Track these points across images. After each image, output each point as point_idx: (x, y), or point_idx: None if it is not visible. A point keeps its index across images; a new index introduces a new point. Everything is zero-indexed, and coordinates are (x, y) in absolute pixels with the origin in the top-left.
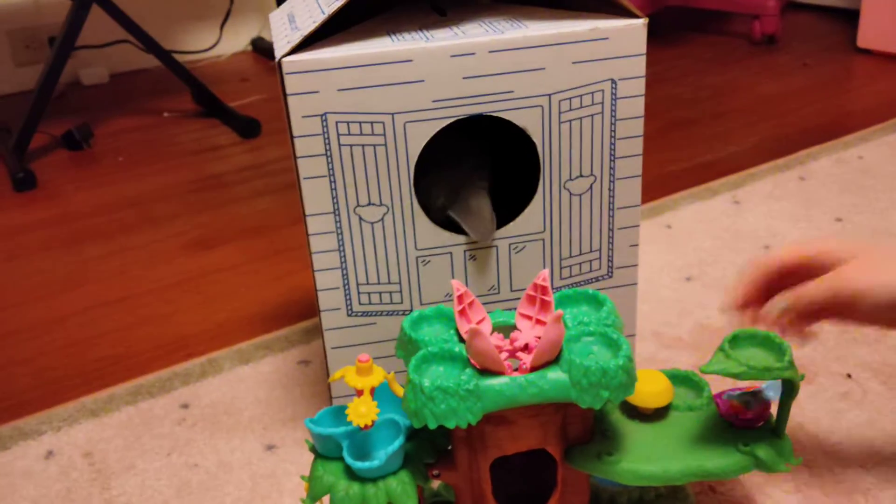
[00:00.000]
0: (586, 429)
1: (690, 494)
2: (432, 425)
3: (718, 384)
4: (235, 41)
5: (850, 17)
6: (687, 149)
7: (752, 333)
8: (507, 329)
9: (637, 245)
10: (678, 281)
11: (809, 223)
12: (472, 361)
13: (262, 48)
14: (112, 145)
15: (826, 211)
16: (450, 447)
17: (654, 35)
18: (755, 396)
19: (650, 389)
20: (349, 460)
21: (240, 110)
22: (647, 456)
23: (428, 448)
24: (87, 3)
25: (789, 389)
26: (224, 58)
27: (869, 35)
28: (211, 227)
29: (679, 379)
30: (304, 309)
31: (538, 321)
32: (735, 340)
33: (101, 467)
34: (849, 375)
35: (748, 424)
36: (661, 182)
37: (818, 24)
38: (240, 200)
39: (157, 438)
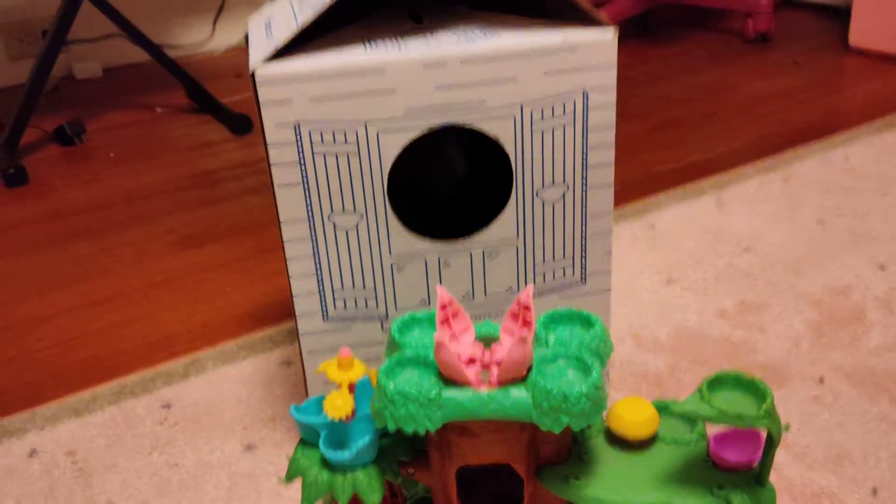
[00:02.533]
0: (560, 450)
1: None
2: (391, 427)
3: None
4: (229, 36)
5: (843, 15)
6: (676, 148)
7: (736, 376)
8: (489, 340)
9: (610, 252)
10: (659, 283)
11: (791, 225)
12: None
13: None
14: (104, 141)
15: (809, 213)
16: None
17: (650, 32)
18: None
19: (632, 419)
20: (322, 449)
21: (233, 106)
22: (614, 485)
23: (405, 446)
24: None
25: (769, 439)
26: (218, 52)
27: (860, 34)
28: (200, 224)
29: (679, 414)
30: (289, 309)
31: (521, 339)
32: (715, 381)
33: (84, 466)
34: (821, 379)
35: (732, 468)
36: (649, 182)
37: (811, 22)
38: (230, 198)
39: (139, 438)
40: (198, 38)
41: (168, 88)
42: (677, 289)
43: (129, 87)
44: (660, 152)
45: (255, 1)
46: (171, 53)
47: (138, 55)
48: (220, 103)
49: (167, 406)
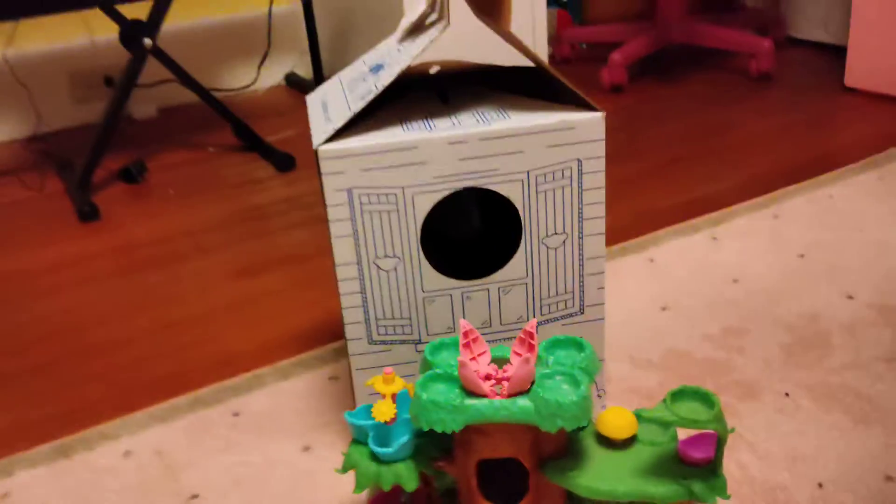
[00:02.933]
0: (560, 447)
1: None
2: (425, 428)
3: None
4: (270, 76)
5: (842, 54)
6: (677, 185)
7: (694, 389)
8: (502, 361)
9: (603, 287)
10: (654, 310)
11: (775, 258)
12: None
13: (294, 82)
14: (163, 179)
15: (792, 248)
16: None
17: (657, 72)
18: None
19: (616, 423)
20: (371, 446)
21: (276, 144)
22: (602, 476)
23: (436, 445)
24: (143, 56)
25: (719, 439)
26: (260, 92)
27: (855, 74)
28: (254, 256)
29: (648, 419)
30: (334, 331)
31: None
32: (678, 394)
33: (170, 463)
34: (787, 394)
35: (695, 462)
36: (650, 218)
37: (812, 61)
38: (279, 231)
39: (214, 440)
40: (242, 82)
41: (217, 128)
42: (670, 315)
43: (183, 128)
44: (662, 189)
45: (296, 45)
46: (218, 94)
47: (189, 96)
48: (266, 142)
49: (236, 414)
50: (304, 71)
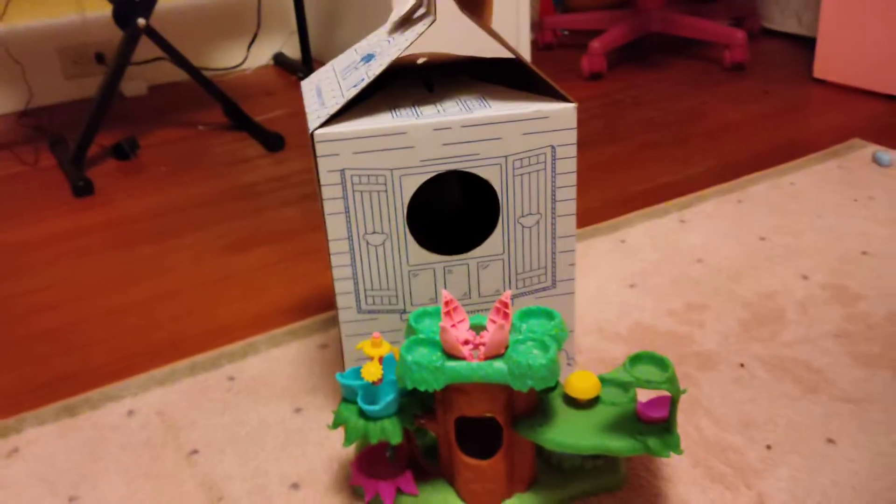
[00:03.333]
0: (529, 406)
1: (623, 467)
2: (409, 387)
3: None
4: (259, 56)
5: (814, 46)
6: (650, 170)
7: (651, 354)
8: (479, 329)
9: (574, 264)
10: (623, 287)
11: (737, 241)
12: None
13: (283, 62)
14: (155, 156)
15: (753, 231)
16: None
17: (637, 59)
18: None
19: (581, 385)
20: (360, 403)
21: (265, 124)
22: (568, 432)
23: (418, 403)
24: (137, 35)
25: (673, 399)
26: (249, 71)
27: (823, 66)
28: (245, 231)
29: (614, 382)
30: (323, 303)
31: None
32: (636, 359)
33: (171, 423)
34: (742, 365)
35: (652, 421)
36: (624, 201)
37: (784, 52)
38: (269, 208)
39: (212, 402)
40: (232, 62)
41: (207, 106)
42: (638, 292)
43: (173, 106)
44: (637, 172)
45: (284, 26)
46: (208, 74)
47: (179, 75)
48: (255, 122)
49: (231, 378)
50: (292, 51)
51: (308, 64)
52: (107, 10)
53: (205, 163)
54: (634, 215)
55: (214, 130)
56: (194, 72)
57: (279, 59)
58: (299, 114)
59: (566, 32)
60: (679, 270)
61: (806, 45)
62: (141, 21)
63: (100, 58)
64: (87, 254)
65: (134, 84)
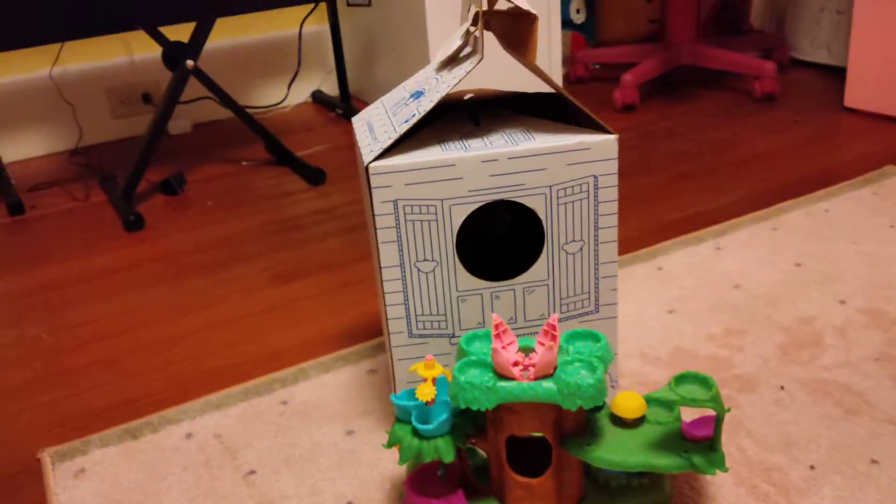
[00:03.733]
0: (578, 425)
1: (667, 485)
2: (462, 406)
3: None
4: (298, 94)
5: (844, 76)
6: (685, 199)
7: (695, 374)
8: (528, 350)
9: (616, 289)
10: (663, 313)
11: (773, 267)
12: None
13: (321, 100)
14: (201, 191)
15: (789, 257)
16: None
17: (668, 92)
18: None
19: (627, 405)
20: (415, 423)
21: (307, 159)
22: (615, 450)
23: (470, 423)
24: (185, 76)
25: (717, 418)
26: (289, 108)
27: (854, 95)
28: (290, 263)
29: (660, 401)
30: (369, 331)
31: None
32: (681, 378)
33: (229, 444)
34: (782, 387)
35: (697, 440)
36: (660, 229)
37: (815, 82)
38: (313, 241)
39: (266, 425)
40: (273, 99)
41: (248, 143)
42: (677, 317)
43: (216, 143)
44: (672, 202)
45: (323, 64)
46: (249, 111)
47: (221, 113)
48: (297, 157)
49: (284, 403)
50: (330, 89)
51: (346, 100)
52: (153, 52)
53: (249, 197)
54: (671, 243)
55: (257, 166)
56: (239, 110)
57: (318, 97)
58: (339, 149)
59: (597, 66)
60: (717, 296)
61: (836, 74)
62: (189, 63)
63: (146, 98)
64: (141, 286)
65: (179, 122)
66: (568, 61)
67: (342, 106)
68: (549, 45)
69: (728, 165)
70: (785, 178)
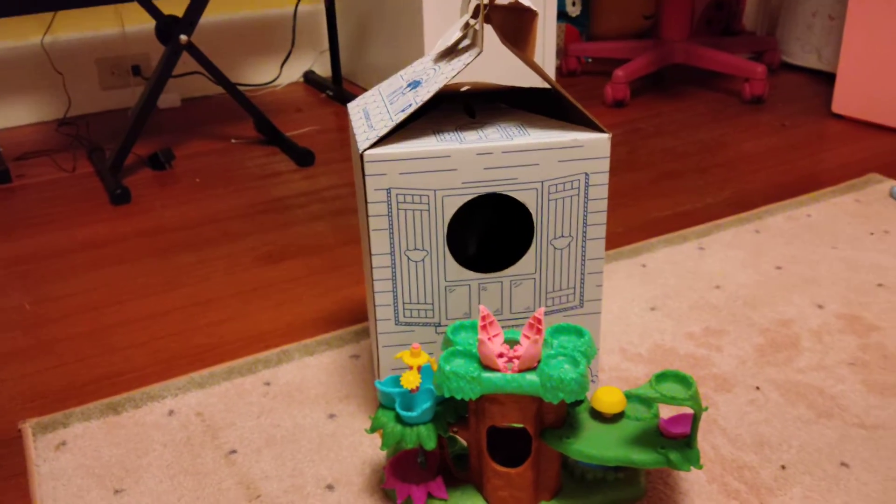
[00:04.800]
0: (558, 418)
1: (643, 480)
2: (447, 395)
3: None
4: (290, 73)
5: (833, 81)
6: (671, 198)
7: (675, 373)
8: (513, 343)
9: (601, 285)
10: (645, 310)
11: (754, 269)
12: (481, 360)
13: (313, 80)
14: (189, 167)
15: (770, 260)
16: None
17: (659, 89)
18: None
19: (607, 400)
20: (398, 409)
21: (296, 140)
22: (594, 444)
23: (452, 412)
24: (179, 51)
25: (695, 415)
26: (280, 88)
27: (842, 101)
28: (277, 244)
29: (639, 397)
30: (354, 315)
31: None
32: (661, 376)
33: (210, 423)
34: (757, 388)
35: (674, 437)
36: (645, 227)
37: (804, 87)
38: (300, 222)
39: (249, 405)
40: (265, 78)
41: (238, 120)
42: (658, 315)
43: (205, 119)
44: (658, 200)
45: (316, 44)
46: (240, 89)
47: (211, 88)
48: (286, 137)
49: (267, 384)
50: (322, 70)
51: (338, 82)
52: (144, 24)
53: (237, 175)
54: (655, 241)
55: (246, 144)
56: (230, 87)
57: (309, 77)
58: (329, 131)
59: (590, 60)
60: (698, 296)
61: (825, 80)
62: (183, 37)
63: (136, 70)
64: (126, 260)
65: (168, 96)
66: (561, 54)
67: (334, 88)
68: (544, 36)
69: (715, 166)
70: (770, 182)
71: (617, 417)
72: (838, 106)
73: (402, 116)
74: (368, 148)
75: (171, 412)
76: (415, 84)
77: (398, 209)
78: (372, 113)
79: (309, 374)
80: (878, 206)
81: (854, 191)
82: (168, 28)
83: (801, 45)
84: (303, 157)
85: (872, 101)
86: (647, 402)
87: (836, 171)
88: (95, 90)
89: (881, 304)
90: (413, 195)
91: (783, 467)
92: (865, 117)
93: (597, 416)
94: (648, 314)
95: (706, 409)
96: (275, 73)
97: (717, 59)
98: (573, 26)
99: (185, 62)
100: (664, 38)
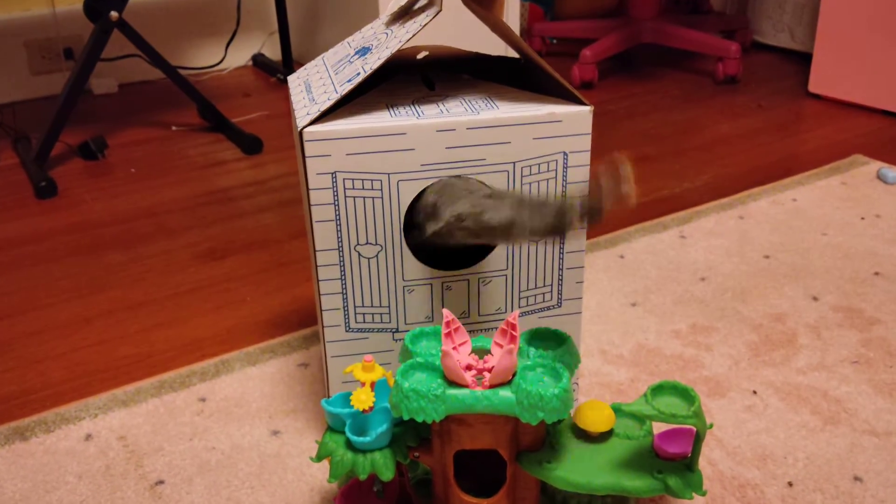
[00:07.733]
0: (537, 439)
1: None
2: (406, 417)
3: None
4: (237, 56)
5: (807, 61)
6: (647, 184)
7: (674, 385)
8: (483, 352)
9: (582, 282)
10: (625, 305)
11: (742, 258)
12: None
13: (262, 64)
14: (124, 156)
15: (757, 248)
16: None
17: (630, 70)
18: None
19: (593, 417)
20: (348, 434)
21: (243, 126)
22: (579, 469)
23: (413, 434)
24: (108, 29)
25: (697, 434)
26: (227, 72)
27: (819, 81)
28: (220, 239)
29: (633, 414)
30: (303, 318)
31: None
32: (658, 389)
33: (134, 448)
34: (754, 392)
35: (671, 457)
36: (621, 214)
37: (778, 66)
38: (245, 215)
39: (180, 426)
40: (209, 61)
41: (181, 106)
42: (640, 311)
43: (144, 105)
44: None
45: (265, 25)
46: (183, 73)
47: (152, 72)
48: (232, 123)
49: (202, 399)
50: (272, 52)
51: (289, 66)
52: (76, 4)
53: (177, 165)
54: (633, 229)
55: (189, 132)
56: (170, 70)
57: (258, 60)
58: (278, 116)
59: (555, 41)
60: (682, 289)
61: (799, 59)
62: (113, 14)
63: (68, 53)
64: (48, 260)
65: (104, 81)
66: (524, 34)
67: (284, 71)
68: (507, 16)
69: (691, 149)
70: (750, 164)
71: (605, 436)
72: (815, 86)
73: (348, 87)
74: (308, 125)
75: (88, 436)
76: (364, 51)
77: (346, 197)
78: (314, 85)
79: (250, 386)
80: (866, 189)
81: (839, 173)
82: (96, 4)
83: (772, 24)
84: (250, 145)
85: (850, 81)
86: (637, 417)
87: (817, 153)
88: (24, 75)
89: (880, 294)
90: (363, 180)
91: (790, 484)
92: (844, 97)
93: (581, 434)
94: (629, 310)
95: (711, 426)
96: (220, 56)
97: (688, 37)
98: (537, 5)
99: (124, 44)
100: (633, 17)
